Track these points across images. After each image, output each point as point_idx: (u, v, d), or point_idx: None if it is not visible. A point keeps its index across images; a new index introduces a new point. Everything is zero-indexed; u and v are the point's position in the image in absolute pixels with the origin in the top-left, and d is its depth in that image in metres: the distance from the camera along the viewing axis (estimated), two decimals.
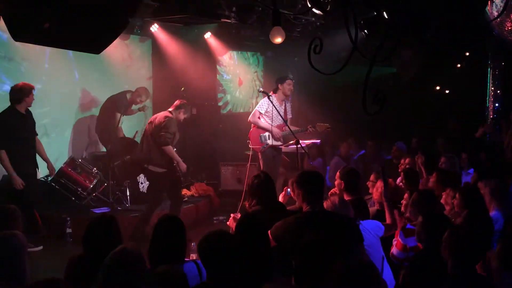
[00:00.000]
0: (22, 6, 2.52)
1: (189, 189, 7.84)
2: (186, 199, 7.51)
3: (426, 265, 2.99)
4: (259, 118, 6.84)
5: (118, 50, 7.39)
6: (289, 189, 4.53)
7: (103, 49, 3.01)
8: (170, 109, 6.09)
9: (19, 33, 2.61)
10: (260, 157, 6.87)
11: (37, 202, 5.82)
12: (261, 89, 7.03)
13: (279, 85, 6.87)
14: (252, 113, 6.93)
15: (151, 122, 6.08)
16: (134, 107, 7.59)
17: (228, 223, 4.13)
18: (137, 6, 3.13)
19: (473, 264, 2.60)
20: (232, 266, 2.65)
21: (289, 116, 7.02)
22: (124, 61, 7.90)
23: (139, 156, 6.18)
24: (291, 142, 6.78)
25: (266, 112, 6.79)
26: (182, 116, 6.11)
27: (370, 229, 3.75)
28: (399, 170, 6.36)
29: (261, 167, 6.76)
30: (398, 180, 5.68)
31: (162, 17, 6.51)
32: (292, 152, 6.74)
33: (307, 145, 7.19)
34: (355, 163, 8.42)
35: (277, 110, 6.52)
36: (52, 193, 6.58)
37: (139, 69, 8.42)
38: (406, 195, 4.49)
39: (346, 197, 4.27)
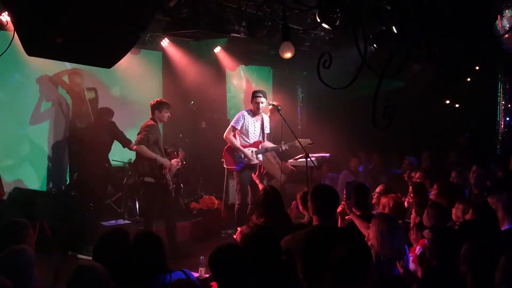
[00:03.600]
0: (36, 22, 2.57)
1: (197, 203, 7.83)
2: (194, 212, 7.52)
3: (439, 280, 2.95)
4: (234, 136, 6.47)
5: (129, 64, 7.47)
6: (297, 204, 4.51)
7: (114, 64, 3.04)
8: (150, 116, 6.05)
9: (33, 48, 2.66)
10: (235, 176, 6.53)
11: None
12: (271, 102, 7.01)
13: (251, 101, 6.49)
14: (228, 129, 6.51)
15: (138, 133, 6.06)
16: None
17: (235, 236, 4.11)
18: (149, 21, 3.17)
19: (492, 279, 2.57)
20: (243, 279, 2.64)
21: (267, 131, 6.64)
22: (135, 75, 7.97)
23: (135, 170, 6.21)
24: (301, 155, 6.74)
25: (241, 129, 6.43)
26: (166, 115, 6.03)
27: None
28: (409, 184, 6.32)
29: (236, 187, 6.51)
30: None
31: (173, 31, 6.58)
32: (302, 165, 6.69)
33: (316, 159, 7.16)
34: (363, 177, 8.39)
35: (261, 126, 6.40)
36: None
37: (149, 83, 8.49)
38: (413, 210, 4.44)
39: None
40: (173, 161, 6.16)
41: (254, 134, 6.48)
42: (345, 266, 2.61)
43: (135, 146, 5.89)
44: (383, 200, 4.57)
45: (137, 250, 3.03)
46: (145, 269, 2.93)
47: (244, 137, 6.47)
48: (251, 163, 6.47)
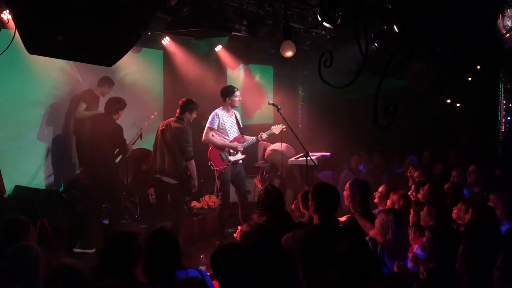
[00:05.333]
0: (37, 20, 2.57)
1: (198, 201, 7.83)
2: (195, 211, 7.52)
3: (439, 280, 2.96)
4: (212, 135, 6.46)
5: (130, 62, 7.46)
6: (297, 203, 4.52)
7: (115, 62, 3.04)
8: (178, 115, 6.05)
9: (34, 46, 2.66)
10: (219, 176, 6.48)
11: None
12: (270, 101, 7.01)
13: (227, 98, 6.48)
14: (205, 131, 6.48)
15: (163, 131, 6.05)
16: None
17: (235, 235, 4.12)
18: (150, 20, 3.17)
19: (490, 278, 2.58)
20: (244, 278, 2.65)
21: (240, 126, 6.71)
22: (136, 73, 7.96)
23: (153, 166, 6.17)
24: (301, 154, 6.74)
25: (218, 128, 6.44)
26: (194, 116, 6.12)
27: None
28: (409, 183, 6.33)
29: (218, 186, 6.50)
30: (409, 193, 5.62)
31: (174, 30, 6.57)
32: (302, 164, 6.70)
33: (317, 158, 7.17)
34: (364, 176, 8.39)
35: (236, 121, 6.48)
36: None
37: (150, 81, 8.48)
38: (412, 208, 4.45)
39: None
40: None
41: (232, 131, 6.53)
42: (351, 262, 2.62)
43: (187, 162, 5.96)
44: (393, 197, 4.58)
45: (153, 248, 2.99)
46: (162, 266, 2.91)
47: (223, 135, 6.50)
48: (236, 158, 6.52)
